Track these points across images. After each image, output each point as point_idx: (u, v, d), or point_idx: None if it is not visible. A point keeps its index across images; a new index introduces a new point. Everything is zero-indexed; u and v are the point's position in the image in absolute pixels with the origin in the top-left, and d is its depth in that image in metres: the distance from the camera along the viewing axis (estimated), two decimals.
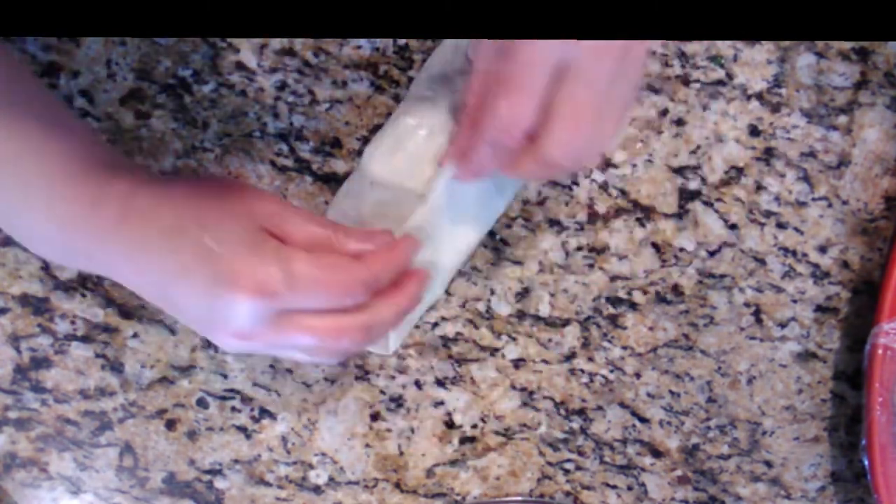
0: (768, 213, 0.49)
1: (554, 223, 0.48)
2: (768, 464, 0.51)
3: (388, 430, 0.49)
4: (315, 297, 0.37)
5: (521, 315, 0.49)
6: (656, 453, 0.51)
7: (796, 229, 0.49)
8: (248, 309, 0.36)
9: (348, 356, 0.44)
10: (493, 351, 0.49)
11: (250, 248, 0.37)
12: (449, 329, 0.49)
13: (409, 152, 0.43)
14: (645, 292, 0.49)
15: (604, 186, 0.48)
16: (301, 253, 0.37)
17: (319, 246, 0.39)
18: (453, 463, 0.50)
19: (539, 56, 0.33)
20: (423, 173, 0.43)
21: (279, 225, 0.38)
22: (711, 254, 0.49)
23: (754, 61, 0.47)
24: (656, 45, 0.47)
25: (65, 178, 0.37)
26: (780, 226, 0.49)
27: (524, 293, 0.49)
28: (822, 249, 0.49)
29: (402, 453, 0.50)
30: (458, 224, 0.44)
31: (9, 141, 0.36)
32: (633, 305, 0.49)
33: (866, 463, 0.48)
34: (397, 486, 0.50)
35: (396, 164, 0.43)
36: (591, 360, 0.49)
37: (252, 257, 0.36)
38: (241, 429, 0.49)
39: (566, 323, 0.49)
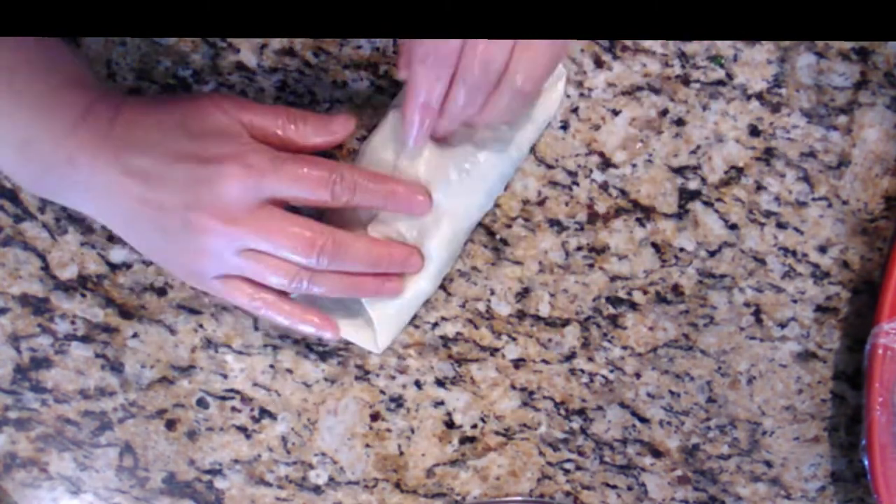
0: (768, 213, 0.49)
1: (554, 223, 0.48)
2: (768, 464, 0.51)
3: (388, 430, 0.49)
4: (298, 185, 0.40)
5: (521, 315, 0.49)
6: (656, 453, 0.51)
7: (796, 229, 0.49)
8: (236, 185, 0.39)
9: (322, 327, 0.44)
10: (493, 351, 0.49)
11: (237, 142, 0.40)
12: (449, 329, 0.49)
13: (399, 142, 0.43)
14: (645, 292, 0.49)
15: (604, 186, 0.48)
16: (287, 153, 0.41)
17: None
18: (453, 463, 0.50)
19: None
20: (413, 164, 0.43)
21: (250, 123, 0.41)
22: (711, 254, 0.49)
23: (754, 61, 0.47)
24: (656, 45, 0.47)
25: (58, 89, 0.39)
26: (780, 226, 0.49)
27: (524, 293, 0.49)
28: (822, 249, 0.49)
29: (402, 453, 0.50)
30: (443, 215, 0.44)
31: (4, 51, 0.37)
32: (633, 305, 0.49)
33: (866, 463, 0.48)
34: (397, 486, 0.50)
35: (385, 156, 0.44)
36: (591, 360, 0.49)
37: (240, 146, 0.40)
38: (241, 429, 0.49)
39: (566, 323, 0.49)
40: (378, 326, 0.46)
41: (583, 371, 0.49)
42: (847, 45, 0.47)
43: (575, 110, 0.47)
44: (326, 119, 0.42)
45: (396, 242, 0.44)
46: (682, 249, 0.49)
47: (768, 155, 0.48)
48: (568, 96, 0.47)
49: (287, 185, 0.40)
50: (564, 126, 0.47)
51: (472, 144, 0.44)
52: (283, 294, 0.43)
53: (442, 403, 0.49)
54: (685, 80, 0.47)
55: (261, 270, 0.41)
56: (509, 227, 0.48)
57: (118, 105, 0.40)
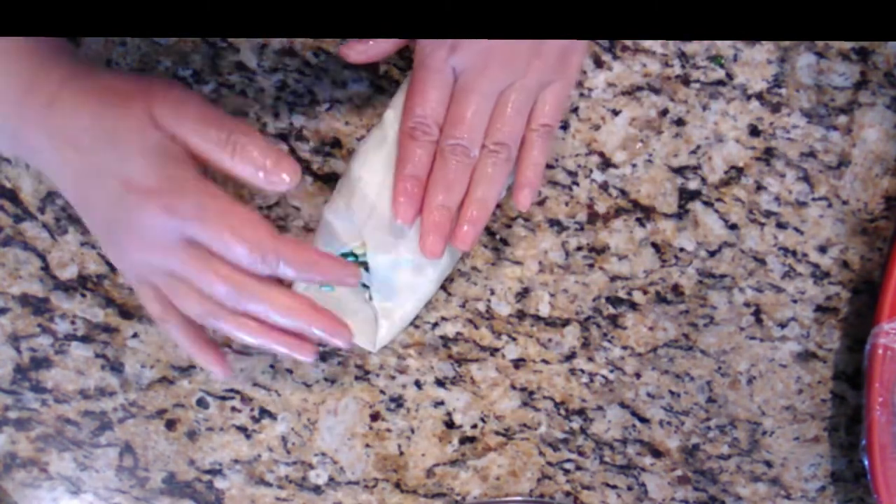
0: (768, 213, 0.49)
1: (554, 223, 0.48)
2: (768, 464, 0.51)
3: (388, 430, 0.49)
4: (219, 244, 0.37)
5: (521, 315, 0.49)
6: (656, 453, 0.51)
7: (796, 229, 0.49)
8: (156, 223, 0.37)
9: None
10: (493, 351, 0.49)
11: (164, 171, 0.37)
12: (449, 329, 0.49)
13: (390, 143, 0.44)
14: (645, 292, 0.49)
15: (604, 186, 0.48)
16: (221, 194, 0.38)
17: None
18: (453, 463, 0.50)
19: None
20: None
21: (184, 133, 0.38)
22: (711, 254, 0.49)
23: (754, 61, 0.47)
24: (656, 45, 0.47)
25: (5, 55, 0.37)
26: (780, 226, 0.49)
27: (524, 293, 0.49)
28: (822, 249, 0.49)
29: (402, 453, 0.50)
30: None
31: None
32: (633, 305, 0.49)
33: (866, 463, 0.48)
34: (397, 486, 0.50)
35: (381, 157, 0.44)
36: (591, 360, 0.49)
37: (166, 179, 0.37)
38: (241, 429, 0.49)
39: (566, 323, 0.49)
40: (382, 321, 0.46)
41: (583, 371, 0.49)
42: (847, 45, 0.47)
43: (575, 110, 0.47)
44: (274, 156, 0.38)
45: (324, 311, 0.41)
46: (682, 249, 0.49)
47: (768, 155, 0.48)
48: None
49: (209, 237, 0.37)
50: (564, 126, 0.47)
51: None
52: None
53: (442, 403, 0.49)
54: (685, 80, 0.47)
55: (174, 292, 0.39)
56: (509, 227, 0.48)
57: (59, 86, 0.37)
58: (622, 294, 0.49)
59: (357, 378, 0.49)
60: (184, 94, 0.38)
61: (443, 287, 0.48)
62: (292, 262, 0.38)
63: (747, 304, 0.49)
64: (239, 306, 0.39)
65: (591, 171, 0.48)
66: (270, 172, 0.37)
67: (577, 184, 0.48)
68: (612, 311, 0.49)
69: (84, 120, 0.37)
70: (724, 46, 0.47)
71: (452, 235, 0.42)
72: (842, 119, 0.48)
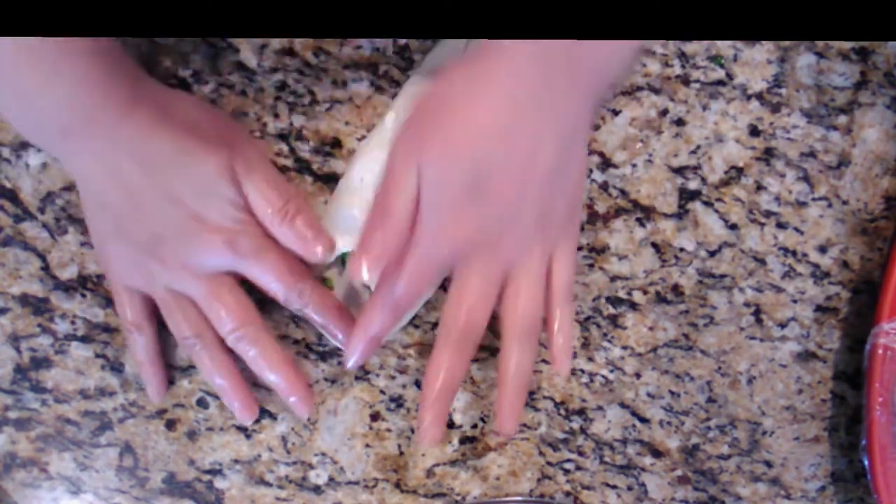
0: (768, 213, 0.49)
1: None
2: (768, 464, 0.51)
3: (388, 430, 0.49)
4: (265, 279, 0.42)
5: None
6: (656, 453, 0.51)
7: (796, 229, 0.49)
8: (212, 255, 0.41)
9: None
10: (494, 351, 0.49)
11: (229, 214, 0.41)
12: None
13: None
14: (645, 292, 0.49)
15: (604, 186, 0.48)
16: (255, 229, 0.42)
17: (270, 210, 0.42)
18: (453, 463, 0.50)
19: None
20: None
21: (247, 179, 0.42)
22: (711, 254, 0.49)
23: (754, 61, 0.47)
24: (656, 45, 0.47)
25: (82, 60, 0.37)
26: (780, 226, 0.49)
27: None
28: (822, 249, 0.49)
29: (402, 453, 0.50)
30: None
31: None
32: (633, 305, 0.49)
33: (866, 463, 0.48)
34: (397, 486, 0.50)
35: (383, 159, 0.44)
36: (591, 360, 0.49)
37: (231, 220, 0.41)
38: (241, 429, 0.49)
39: None
40: None
41: (583, 371, 0.49)
42: (847, 45, 0.47)
43: None
44: (314, 231, 0.42)
45: (301, 378, 0.45)
46: (682, 249, 0.49)
47: (768, 155, 0.48)
48: None
49: (257, 274, 0.42)
50: None
51: None
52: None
53: None
54: (685, 80, 0.47)
55: (170, 309, 0.43)
56: None
57: (135, 101, 0.39)
58: (622, 294, 0.49)
59: (357, 378, 0.49)
60: (259, 153, 0.44)
61: (443, 287, 0.48)
62: (320, 310, 0.43)
63: (747, 304, 0.49)
64: (233, 343, 0.43)
65: (591, 170, 0.48)
66: (308, 244, 0.42)
67: None
68: (612, 311, 0.49)
69: (163, 144, 0.40)
70: (724, 46, 0.47)
71: (499, 424, 0.42)
72: (842, 119, 0.48)
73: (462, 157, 0.35)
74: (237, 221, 0.41)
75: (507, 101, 0.35)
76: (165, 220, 0.40)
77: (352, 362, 0.41)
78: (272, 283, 0.42)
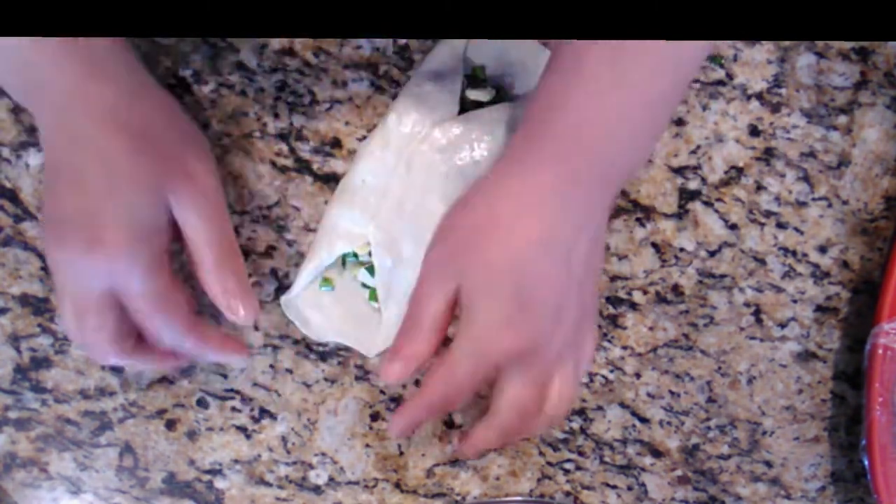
0: (768, 213, 0.49)
1: None
2: (768, 464, 0.51)
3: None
4: (139, 305, 0.38)
5: None
6: (656, 453, 0.51)
7: (796, 229, 0.49)
8: (94, 265, 0.37)
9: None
10: None
11: (140, 227, 0.37)
12: (450, 329, 0.49)
13: (394, 146, 0.44)
14: (645, 292, 0.49)
15: None
16: (167, 274, 0.39)
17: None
18: (453, 463, 0.50)
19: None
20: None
21: (186, 209, 0.39)
22: (711, 254, 0.49)
23: (754, 61, 0.47)
24: None
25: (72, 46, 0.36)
26: (780, 226, 0.49)
27: None
28: (822, 249, 0.49)
29: (402, 453, 0.50)
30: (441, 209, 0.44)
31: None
32: (633, 305, 0.49)
33: (866, 463, 0.48)
34: (397, 486, 0.50)
35: (385, 160, 0.44)
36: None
37: (133, 236, 0.37)
38: (241, 429, 0.49)
39: None
40: (382, 329, 0.46)
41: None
42: (847, 45, 0.47)
43: None
44: (238, 299, 0.40)
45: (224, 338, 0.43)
46: (682, 249, 0.49)
47: (768, 155, 0.48)
48: None
49: (143, 310, 0.39)
50: None
51: (472, 150, 0.44)
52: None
53: None
54: None
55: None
56: None
57: (132, 87, 0.38)
58: (622, 294, 0.49)
59: (357, 378, 0.49)
60: (204, 198, 0.40)
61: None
62: (198, 346, 0.41)
63: (747, 304, 0.49)
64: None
65: None
66: (229, 307, 0.40)
67: None
68: (612, 311, 0.49)
69: (155, 129, 0.38)
70: (724, 46, 0.47)
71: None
72: (842, 119, 0.48)
73: (503, 270, 0.36)
74: (147, 246, 0.38)
75: (539, 209, 0.36)
76: (94, 195, 0.37)
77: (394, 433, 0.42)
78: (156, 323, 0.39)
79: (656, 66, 0.36)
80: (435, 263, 0.39)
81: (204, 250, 0.40)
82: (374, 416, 0.49)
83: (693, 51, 0.37)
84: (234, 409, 0.49)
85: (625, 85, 0.36)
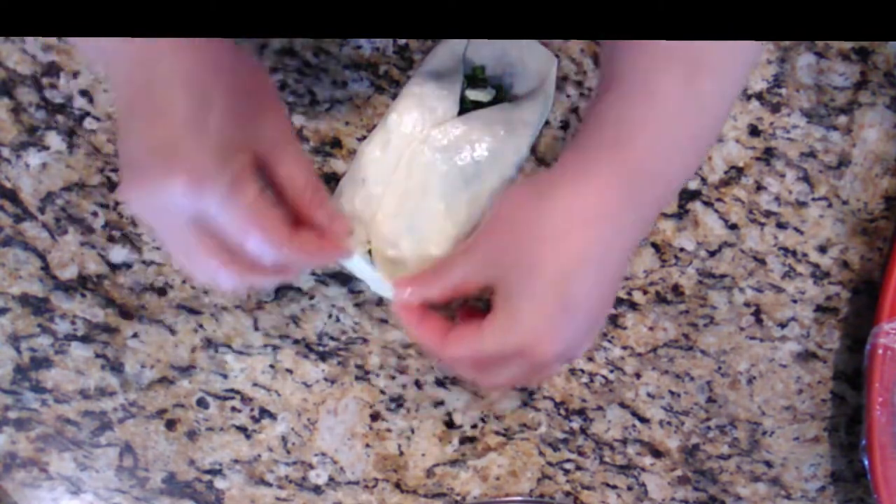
0: (768, 213, 0.49)
1: None
2: (768, 464, 0.51)
3: (388, 430, 0.49)
4: (232, 223, 0.37)
5: None
6: (656, 453, 0.51)
7: (796, 229, 0.49)
8: (178, 189, 0.35)
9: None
10: None
11: (224, 149, 0.36)
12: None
13: (394, 146, 0.44)
14: (645, 292, 0.49)
15: None
16: (256, 187, 0.37)
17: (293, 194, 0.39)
18: (453, 463, 0.50)
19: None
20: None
21: (274, 154, 0.38)
22: (711, 254, 0.49)
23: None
24: None
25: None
26: (780, 226, 0.49)
27: None
28: (822, 249, 0.49)
29: (402, 453, 0.50)
30: (447, 220, 0.44)
31: None
32: (633, 305, 0.49)
33: (866, 463, 0.48)
34: (397, 486, 0.50)
35: (385, 159, 0.44)
36: (591, 360, 0.49)
37: (218, 157, 0.36)
38: (241, 429, 0.49)
39: None
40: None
41: (583, 371, 0.49)
42: (847, 45, 0.47)
43: (575, 110, 0.47)
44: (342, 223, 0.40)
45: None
46: (682, 249, 0.49)
47: (768, 155, 0.48)
48: (568, 96, 0.47)
49: (222, 219, 0.37)
50: (564, 126, 0.47)
51: (472, 150, 0.44)
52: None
53: (442, 403, 0.49)
54: None
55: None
56: None
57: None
58: (622, 294, 0.49)
59: (357, 378, 0.49)
60: (295, 137, 0.40)
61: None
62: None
63: (747, 304, 0.49)
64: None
65: None
66: (334, 226, 0.40)
67: None
68: (612, 310, 0.49)
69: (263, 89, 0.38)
70: None
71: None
72: (842, 119, 0.48)
73: (550, 281, 0.37)
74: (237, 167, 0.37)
75: (596, 231, 0.37)
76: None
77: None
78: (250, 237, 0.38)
79: (727, 84, 0.36)
80: (483, 251, 0.39)
81: (301, 178, 0.39)
82: (374, 416, 0.49)
83: (753, 59, 0.37)
84: (234, 409, 0.49)
85: (699, 108, 0.36)
